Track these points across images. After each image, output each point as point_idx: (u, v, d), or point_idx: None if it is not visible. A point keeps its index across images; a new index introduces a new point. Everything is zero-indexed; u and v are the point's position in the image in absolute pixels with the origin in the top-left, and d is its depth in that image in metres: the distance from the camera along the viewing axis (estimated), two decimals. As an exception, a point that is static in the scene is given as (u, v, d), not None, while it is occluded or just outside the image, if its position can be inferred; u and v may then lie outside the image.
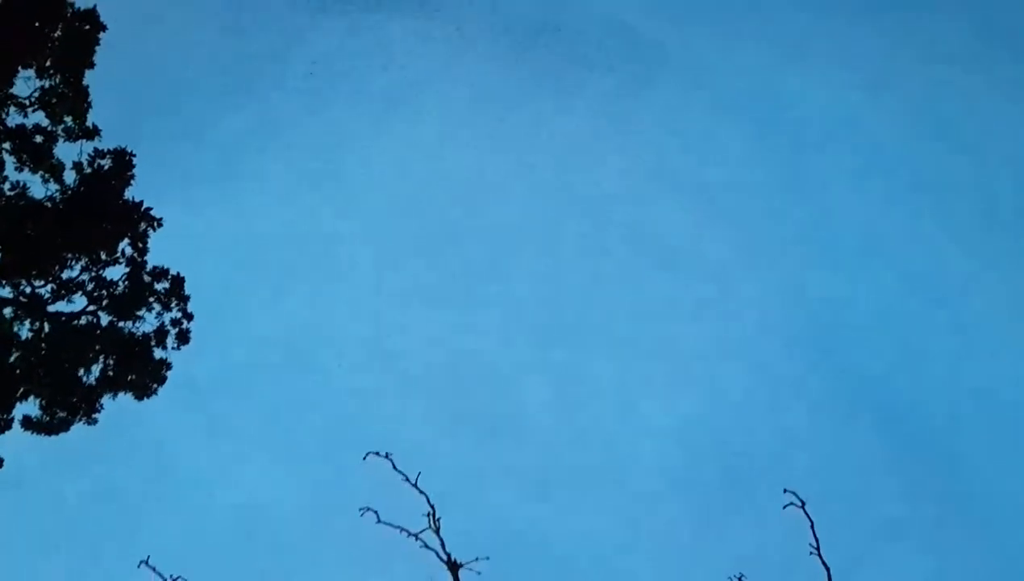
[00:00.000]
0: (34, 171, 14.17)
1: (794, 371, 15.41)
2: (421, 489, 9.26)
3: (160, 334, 14.35)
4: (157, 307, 14.34)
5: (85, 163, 14.37)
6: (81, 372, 14.06)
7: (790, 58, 19.21)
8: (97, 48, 14.49)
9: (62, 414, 14.00)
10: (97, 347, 14.21)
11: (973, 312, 16.03)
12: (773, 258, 16.93)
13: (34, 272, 14.03)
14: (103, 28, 14.63)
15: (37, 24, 14.59)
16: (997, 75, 18.77)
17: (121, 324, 14.22)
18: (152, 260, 14.31)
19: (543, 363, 15.65)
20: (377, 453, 9.47)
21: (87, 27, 14.40)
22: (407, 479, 9.36)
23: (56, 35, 14.25)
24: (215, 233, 16.23)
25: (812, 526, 8.92)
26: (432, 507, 9.17)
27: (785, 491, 9.10)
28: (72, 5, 14.36)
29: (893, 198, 17.57)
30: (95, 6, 14.47)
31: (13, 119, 14.17)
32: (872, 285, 16.55)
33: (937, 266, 16.52)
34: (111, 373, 14.06)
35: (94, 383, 14.09)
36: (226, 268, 15.89)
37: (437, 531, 9.11)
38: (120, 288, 14.19)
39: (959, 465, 15.34)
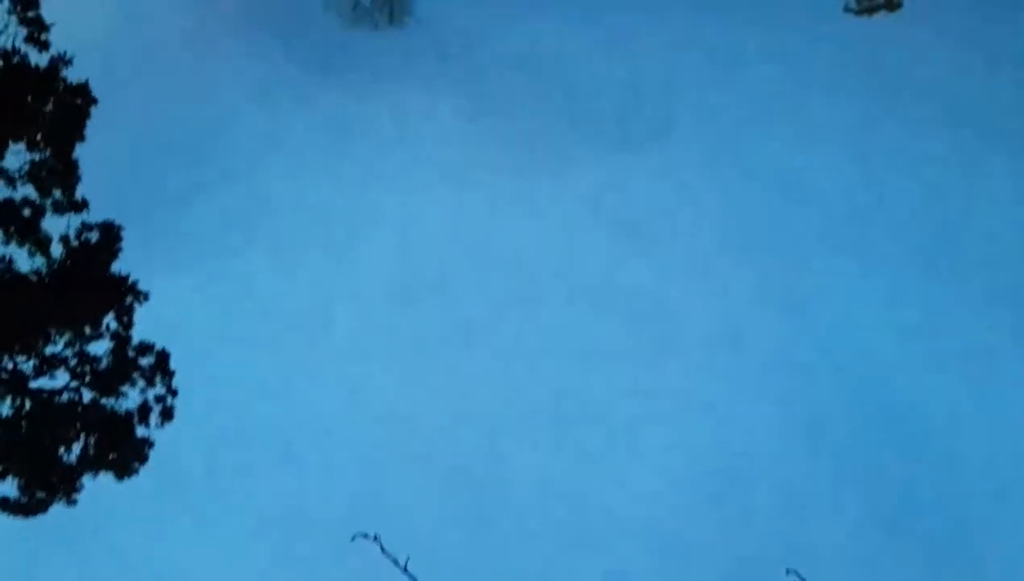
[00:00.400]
0: (20, 245, 14.04)
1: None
2: (412, 575, 8.91)
3: (143, 411, 14.06)
4: (141, 383, 14.08)
5: (72, 236, 14.25)
6: (61, 451, 13.74)
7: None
8: (88, 121, 14.51)
9: (41, 494, 13.64)
10: (79, 425, 13.91)
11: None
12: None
13: (17, 347, 13.80)
14: (94, 102, 14.65)
15: (29, 99, 14.62)
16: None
17: (104, 401, 13.95)
18: (137, 334, 14.09)
19: (534, 431, 15.40)
20: (365, 535, 9.15)
21: (79, 101, 14.43)
22: (396, 563, 9.01)
23: (48, 109, 14.27)
24: (202, 306, 16.05)
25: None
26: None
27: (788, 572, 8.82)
28: (64, 79, 14.40)
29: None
30: (87, 81, 14.53)
31: (1, 193, 14.10)
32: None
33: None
34: (92, 451, 13.73)
35: (74, 462, 13.76)
36: (213, 340, 15.67)
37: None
38: (104, 363, 13.96)
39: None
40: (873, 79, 21.05)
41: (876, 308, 17.13)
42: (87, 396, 13.97)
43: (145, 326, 13.98)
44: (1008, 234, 18.28)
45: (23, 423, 13.61)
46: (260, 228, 17.45)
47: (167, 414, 14.22)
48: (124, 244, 14.12)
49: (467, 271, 17.51)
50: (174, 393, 14.26)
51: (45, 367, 13.80)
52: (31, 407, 13.68)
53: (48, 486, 13.55)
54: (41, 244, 14.09)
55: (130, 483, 13.75)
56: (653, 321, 16.82)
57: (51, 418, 13.73)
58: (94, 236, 14.24)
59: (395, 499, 14.58)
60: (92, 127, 14.19)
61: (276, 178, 18.28)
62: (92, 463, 13.79)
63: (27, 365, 13.72)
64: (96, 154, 14.28)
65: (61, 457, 13.69)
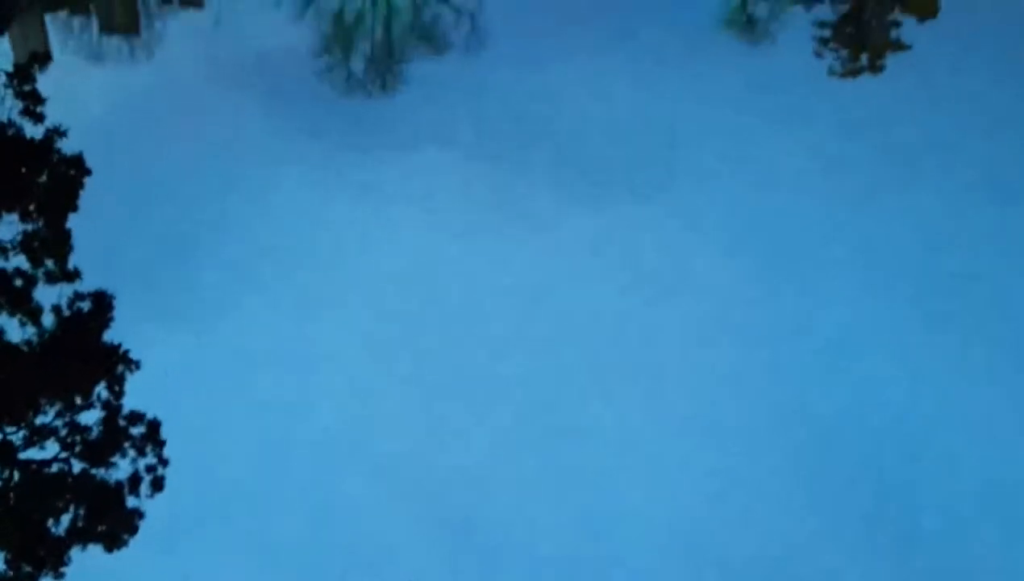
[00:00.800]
0: (12, 315, 14.06)
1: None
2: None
3: (134, 481, 13.87)
4: (132, 453, 13.93)
5: (64, 306, 14.28)
6: (50, 523, 13.53)
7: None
8: (82, 192, 14.68)
9: (27, 568, 13.40)
10: (68, 496, 13.72)
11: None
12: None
13: (6, 419, 13.71)
14: (88, 173, 14.87)
15: (24, 170, 14.80)
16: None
17: (94, 471, 13.79)
18: (128, 403, 14.00)
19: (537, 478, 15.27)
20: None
21: (72, 172, 14.62)
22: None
23: (41, 180, 14.44)
24: (193, 372, 15.96)
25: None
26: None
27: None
28: (59, 151, 14.61)
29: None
30: (81, 152, 14.73)
31: (-6, 264, 14.17)
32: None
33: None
34: (81, 524, 13.52)
35: (63, 534, 13.54)
36: (204, 407, 15.54)
37: None
38: (94, 434, 13.85)
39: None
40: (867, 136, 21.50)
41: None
42: (77, 467, 13.80)
43: (138, 388, 13.89)
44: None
45: (11, 495, 13.41)
46: (255, 287, 17.48)
47: (158, 484, 14.03)
48: (116, 309, 14.14)
49: (466, 320, 17.54)
50: (165, 463, 14.08)
51: (35, 438, 13.68)
52: (20, 478, 13.50)
53: (35, 560, 13.28)
54: (32, 314, 14.12)
55: (119, 555, 13.47)
56: (650, 368, 16.83)
57: (40, 490, 13.55)
58: (86, 306, 14.29)
59: (395, 547, 14.33)
60: (86, 195, 14.37)
61: (272, 236, 18.41)
62: (81, 535, 13.54)
63: (16, 436, 13.59)
64: (90, 221, 14.35)
65: (49, 529, 13.45)
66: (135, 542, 13.66)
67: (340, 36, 25.11)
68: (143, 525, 13.76)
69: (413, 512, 14.88)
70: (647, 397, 16.49)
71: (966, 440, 15.86)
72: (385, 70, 23.80)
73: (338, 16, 25.85)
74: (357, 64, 23.98)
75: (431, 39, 25.08)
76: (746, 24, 25.63)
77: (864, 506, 15.07)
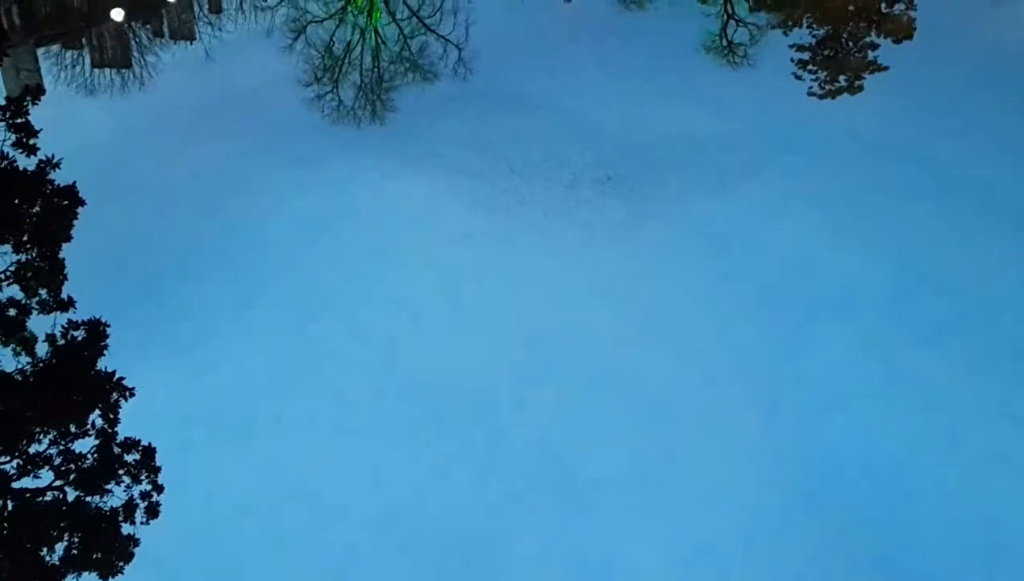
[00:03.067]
0: (5, 345, 14.09)
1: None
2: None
3: (129, 508, 13.81)
4: (126, 480, 13.89)
5: (58, 335, 14.32)
6: (44, 551, 13.48)
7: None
8: (75, 222, 14.77)
9: (21, 598, 13.32)
10: (63, 524, 13.67)
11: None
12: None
13: (1, 448, 13.68)
14: (82, 203, 14.94)
15: (16, 201, 14.90)
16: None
17: (88, 499, 13.76)
18: (123, 430, 14.01)
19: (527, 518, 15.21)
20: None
21: (65, 202, 14.71)
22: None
23: (35, 210, 14.54)
24: (189, 399, 16.03)
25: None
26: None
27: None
28: (52, 181, 14.71)
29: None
30: (74, 182, 14.84)
31: (-13, 294, 14.23)
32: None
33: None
34: (75, 551, 13.47)
35: (58, 563, 13.48)
36: (199, 435, 15.59)
37: None
38: (89, 461, 13.81)
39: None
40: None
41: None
42: (71, 495, 13.77)
43: (133, 418, 13.92)
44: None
45: (5, 524, 13.37)
46: (251, 314, 17.56)
47: (152, 511, 13.99)
48: (112, 338, 14.16)
49: (466, 349, 17.56)
50: (160, 489, 14.04)
51: (29, 467, 13.64)
52: (13, 508, 13.46)
53: (30, 589, 13.23)
54: (26, 343, 14.14)
55: (114, 582, 13.43)
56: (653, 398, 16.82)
57: (34, 519, 13.50)
58: (80, 334, 14.31)
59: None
60: (80, 225, 14.46)
61: (267, 264, 18.51)
62: (76, 563, 13.49)
63: (10, 465, 13.56)
64: (85, 251, 14.45)
65: (44, 558, 13.40)
66: (130, 569, 13.64)
67: (330, 66, 25.44)
68: (138, 552, 13.75)
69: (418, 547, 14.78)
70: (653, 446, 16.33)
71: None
72: (375, 98, 24.11)
73: (327, 47, 26.19)
74: (347, 93, 24.28)
75: (419, 68, 25.42)
76: (726, 49, 26.08)
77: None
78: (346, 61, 25.74)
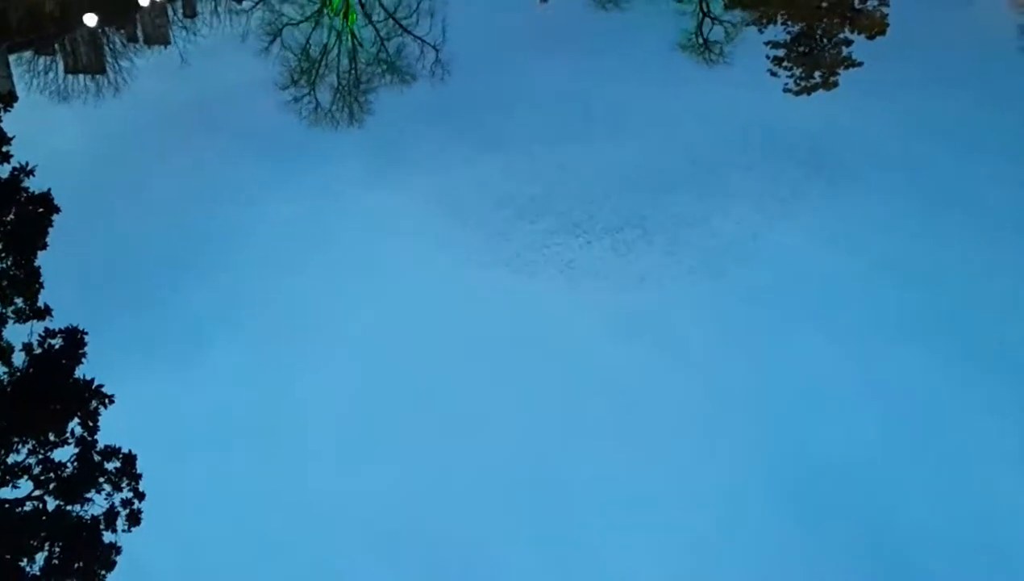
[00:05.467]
0: (-20, 355, 13.95)
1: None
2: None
3: (110, 516, 13.67)
4: (107, 488, 13.78)
5: (35, 344, 14.17)
6: (24, 562, 13.35)
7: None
8: (51, 229, 14.62)
9: (1, 610, 13.20)
10: (43, 534, 13.54)
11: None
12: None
13: (-22, 459, 13.56)
14: (57, 210, 14.79)
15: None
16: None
17: (69, 508, 13.64)
18: (103, 438, 13.89)
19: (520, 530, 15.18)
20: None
21: (40, 210, 14.57)
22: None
23: (9, 218, 14.39)
24: (171, 406, 15.93)
25: None
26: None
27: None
28: (26, 189, 14.57)
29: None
30: (49, 189, 14.70)
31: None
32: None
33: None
34: (56, 561, 13.34)
35: (38, 573, 13.36)
36: (181, 442, 15.48)
37: None
38: (69, 470, 13.68)
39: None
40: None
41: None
42: (51, 504, 13.64)
43: (113, 428, 13.81)
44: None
45: (-16, 535, 13.23)
46: (231, 327, 17.45)
47: (134, 518, 13.87)
48: (90, 347, 14.03)
49: (447, 363, 17.45)
50: (141, 496, 13.93)
51: (7, 477, 13.50)
52: (-7, 518, 13.33)
53: (9, 600, 13.10)
54: (3, 352, 14.00)
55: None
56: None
57: (14, 529, 13.37)
58: (57, 342, 14.17)
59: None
60: (55, 231, 14.33)
61: (246, 277, 18.40)
62: (57, 573, 13.36)
63: (-12, 475, 13.44)
64: (61, 258, 14.32)
65: (24, 569, 13.28)
66: (112, 578, 13.54)
67: (306, 69, 25.36)
68: (120, 560, 13.64)
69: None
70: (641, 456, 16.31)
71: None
72: (352, 100, 24.05)
73: (304, 49, 26.12)
74: (324, 96, 24.22)
75: (397, 70, 25.39)
76: (702, 47, 26.22)
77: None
78: (323, 64, 25.66)
